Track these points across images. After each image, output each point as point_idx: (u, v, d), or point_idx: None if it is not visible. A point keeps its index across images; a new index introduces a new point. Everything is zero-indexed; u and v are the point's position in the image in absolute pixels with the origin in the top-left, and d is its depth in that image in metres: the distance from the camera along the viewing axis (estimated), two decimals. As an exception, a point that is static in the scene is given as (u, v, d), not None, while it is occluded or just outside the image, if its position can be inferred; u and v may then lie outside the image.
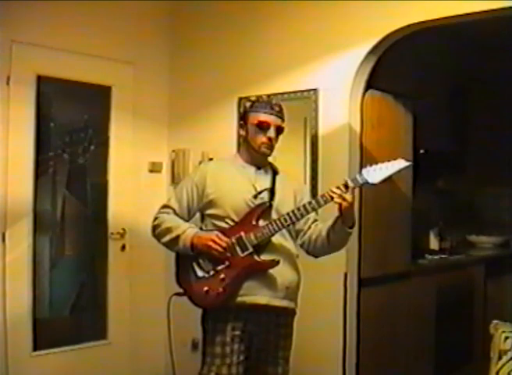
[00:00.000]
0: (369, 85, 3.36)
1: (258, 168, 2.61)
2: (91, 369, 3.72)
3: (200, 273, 2.51)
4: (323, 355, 3.33)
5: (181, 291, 2.57)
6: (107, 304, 3.88)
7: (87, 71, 3.72)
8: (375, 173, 2.38)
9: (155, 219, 2.65)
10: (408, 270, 3.76)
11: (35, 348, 3.53)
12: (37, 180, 3.55)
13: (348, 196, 2.36)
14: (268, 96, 2.67)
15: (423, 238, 4.68)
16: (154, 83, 4.09)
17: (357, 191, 3.32)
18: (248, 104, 2.61)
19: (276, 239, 2.51)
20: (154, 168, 4.07)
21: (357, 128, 3.35)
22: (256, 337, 2.56)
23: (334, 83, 3.32)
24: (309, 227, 2.61)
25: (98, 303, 3.90)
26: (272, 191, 2.56)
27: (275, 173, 2.65)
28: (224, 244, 2.46)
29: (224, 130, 3.74)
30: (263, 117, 2.53)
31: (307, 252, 2.64)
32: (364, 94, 3.36)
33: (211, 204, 2.57)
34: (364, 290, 3.36)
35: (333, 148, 3.33)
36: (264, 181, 2.59)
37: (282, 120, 2.60)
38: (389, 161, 2.38)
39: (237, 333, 2.51)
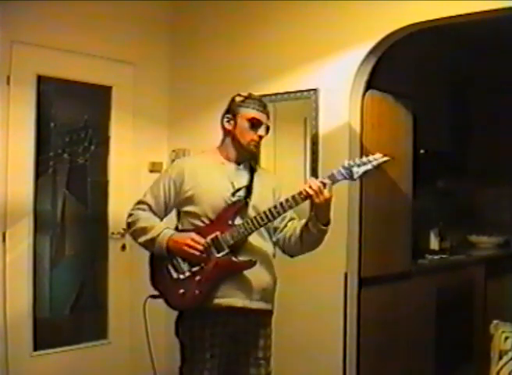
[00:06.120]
0: (369, 85, 3.36)
1: (238, 164, 2.55)
2: (91, 369, 3.72)
3: (175, 275, 2.45)
4: (323, 354, 3.33)
5: (156, 293, 2.52)
6: (107, 304, 3.88)
7: (87, 71, 3.72)
8: (354, 169, 2.31)
9: (130, 215, 2.57)
10: (408, 270, 3.76)
11: (35, 348, 3.53)
12: (37, 180, 3.55)
13: (326, 192, 2.30)
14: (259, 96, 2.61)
15: (423, 238, 4.68)
16: (154, 83, 4.08)
17: (357, 191, 3.35)
18: (239, 98, 2.54)
19: (254, 239, 2.45)
20: (154, 168, 4.07)
21: (357, 128, 3.34)
22: (235, 339, 2.50)
23: (334, 84, 3.32)
24: (285, 225, 2.55)
25: (98, 303, 3.89)
26: (249, 188, 2.49)
27: (252, 169, 2.58)
28: (200, 248, 2.39)
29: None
30: (257, 114, 2.49)
31: (283, 251, 2.58)
32: (364, 94, 3.35)
33: (188, 201, 2.48)
34: (364, 290, 3.36)
35: (333, 148, 3.33)
36: (242, 178, 2.52)
37: (269, 120, 2.57)
38: (367, 156, 2.34)
39: (216, 337, 2.45)
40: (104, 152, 3.88)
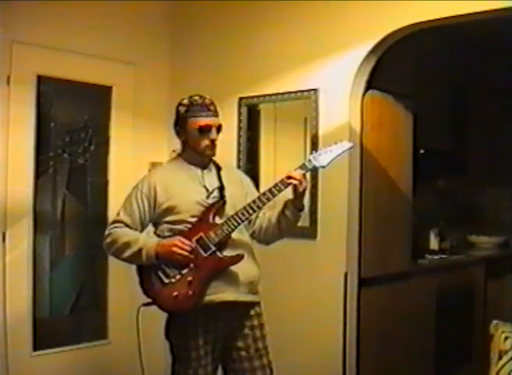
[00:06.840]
0: (369, 85, 3.36)
1: (204, 168, 2.63)
2: (91, 369, 3.72)
3: (166, 280, 2.50)
4: (323, 354, 3.33)
5: (149, 300, 2.57)
6: (107, 304, 3.88)
7: (87, 71, 3.72)
8: (322, 157, 2.48)
9: (108, 235, 2.57)
10: (408, 270, 3.76)
11: (35, 348, 3.53)
12: (37, 180, 3.55)
13: (305, 182, 2.48)
14: (201, 96, 2.58)
15: (423, 238, 4.68)
16: (154, 83, 4.08)
17: (357, 191, 3.34)
18: (183, 108, 2.56)
19: (235, 235, 2.53)
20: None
21: (357, 128, 3.34)
22: (233, 336, 2.56)
23: (334, 84, 3.32)
24: (257, 216, 2.66)
25: (98, 303, 3.89)
26: (221, 188, 2.58)
27: (218, 168, 2.67)
28: (188, 248, 2.45)
29: (224, 130, 3.73)
30: (203, 121, 2.53)
31: (259, 241, 2.71)
32: (364, 94, 3.36)
33: (166, 212, 2.54)
34: (364, 290, 3.36)
35: (333, 148, 3.32)
36: (212, 180, 2.62)
37: (218, 117, 2.61)
38: (336, 143, 2.51)
39: (210, 334, 2.52)
40: (104, 152, 3.88)
